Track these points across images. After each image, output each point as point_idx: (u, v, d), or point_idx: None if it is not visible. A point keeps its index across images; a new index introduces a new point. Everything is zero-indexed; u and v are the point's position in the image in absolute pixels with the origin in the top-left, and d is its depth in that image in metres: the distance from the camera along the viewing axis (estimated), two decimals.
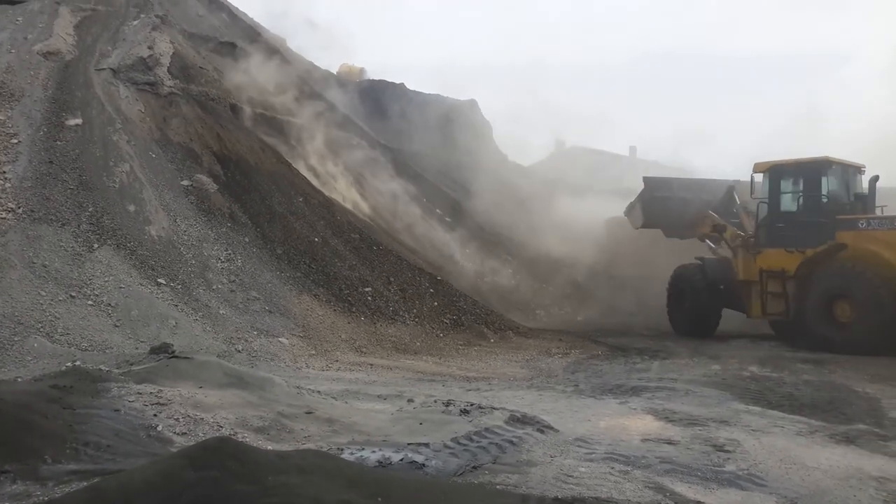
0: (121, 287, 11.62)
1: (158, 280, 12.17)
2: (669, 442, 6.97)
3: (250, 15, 26.68)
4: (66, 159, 13.84)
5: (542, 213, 24.49)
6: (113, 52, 17.40)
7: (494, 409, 7.58)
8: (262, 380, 7.84)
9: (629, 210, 18.85)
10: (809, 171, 14.92)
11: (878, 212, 14.44)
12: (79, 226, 12.49)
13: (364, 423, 6.80)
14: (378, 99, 29.94)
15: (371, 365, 11.50)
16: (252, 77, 20.63)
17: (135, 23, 18.61)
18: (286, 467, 4.15)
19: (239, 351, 11.18)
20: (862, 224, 14.03)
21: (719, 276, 16.04)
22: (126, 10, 19.30)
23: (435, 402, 7.95)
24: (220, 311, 12.17)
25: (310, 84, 24.10)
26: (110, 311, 11.11)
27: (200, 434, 5.95)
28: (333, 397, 8.11)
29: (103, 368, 8.01)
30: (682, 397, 9.40)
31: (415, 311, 14.69)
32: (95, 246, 12.19)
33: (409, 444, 6.08)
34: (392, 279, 15.47)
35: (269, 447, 5.83)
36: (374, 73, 34.28)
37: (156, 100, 16.50)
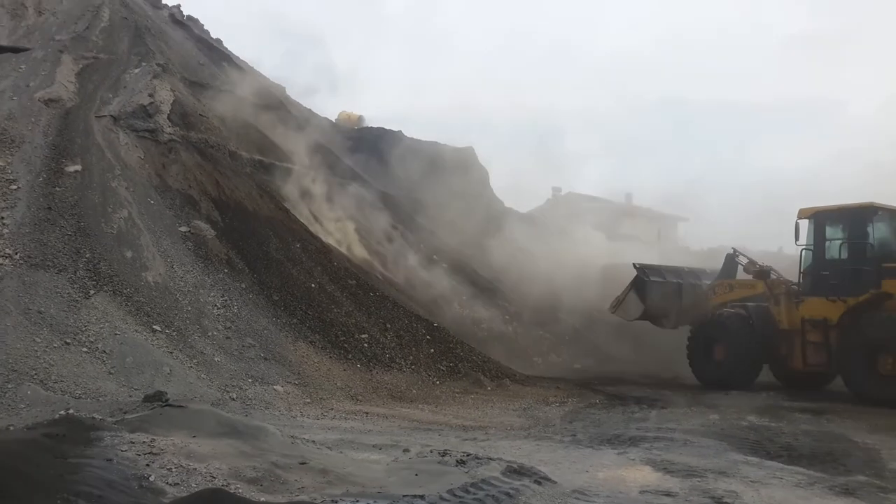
0: (116, 334, 11.56)
1: (154, 326, 12.12)
2: (668, 494, 6.90)
3: (250, 63, 27.04)
4: (65, 205, 13.89)
5: (538, 259, 24.54)
6: (114, 99, 17.60)
7: (491, 459, 7.50)
8: (256, 429, 7.76)
9: (617, 304, 17.62)
10: (855, 217, 14.54)
11: None
12: (75, 272, 12.48)
13: (359, 474, 6.72)
14: (376, 146, 30.18)
15: (366, 413, 11.41)
16: (251, 124, 20.83)
17: (136, 71, 18.85)
18: None
19: (233, 399, 11.08)
20: None
21: (761, 325, 15.38)
22: (128, 59, 19.55)
23: (431, 452, 7.87)
24: (215, 359, 12.10)
25: (309, 131, 24.32)
26: (105, 358, 11.04)
27: (193, 485, 5.87)
28: (328, 447, 8.02)
29: (96, 417, 7.93)
30: (680, 447, 9.31)
31: (411, 357, 14.63)
32: (92, 292, 12.17)
33: (404, 495, 6.00)
34: (388, 325, 15.43)
35: (263, 499, 5.76)
36: (372, 121, 34.66)
37: (155, 147, 16.64)
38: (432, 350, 15.24)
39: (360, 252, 21.24)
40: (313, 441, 8.19)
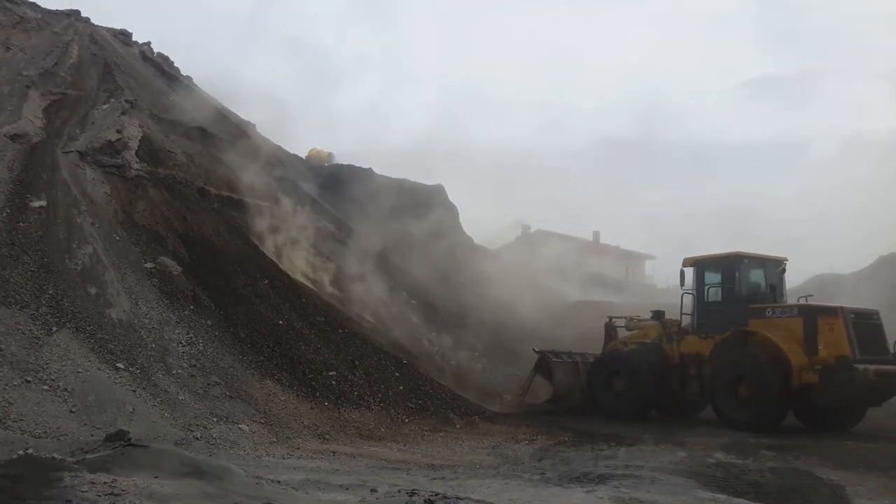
0: (78, 371, 11.35)
1: (117, 364, 11.92)
2: None
3: (220, 101, 27.03)
4: (28, 241, 13.70)
5: (508, 296, 24.59)
6: (81, 135, 17.51)
7: (460, 498, 7.43)
8: (220, 469, 7.62)
9: (525, 391, 18.47)
10: (726, 265, 16.37)
11: (800, 300, 15.81)
12: (38, 308, 12.27)
13: None
14: (346, 183, 30.23)
15: (334, 452, 11.26)
16: (220, 161, 20.79)
17: (104, 107, 18.80)
18: None
19: (197, 438, 10.89)
20: (768, 312, 15.47)
21: (658, 360, 16.72)
22: (96, 95, 19.50)
23: (399, 491, 7.77)
24: (180, 397, 11.91)
25: (278, 168, 24.33)
26: (66, 397, 10.81)
27: None
28: (294, 487, 7.90)
29: (56, 456, 7.74)
30: (648, 485, 9.31)
31: (380, 395, 14.52)
32: (54, 329, 11.96)
33: None
34: (357, 363, 15.33)
35: None
36: (342, 158, 34.73)
37: (122, 182, 16.53)
38: (401, 387, 15.15)
39: (328, 289, 21.15)
40: (279, 481, 8.06)
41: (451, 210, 34.28)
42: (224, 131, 22.94)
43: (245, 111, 27.79)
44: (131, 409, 11.04)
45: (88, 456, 7.82)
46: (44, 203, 14.76)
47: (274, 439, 11.61)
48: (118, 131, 17.48)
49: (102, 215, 15.32)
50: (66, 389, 10.89)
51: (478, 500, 7.35)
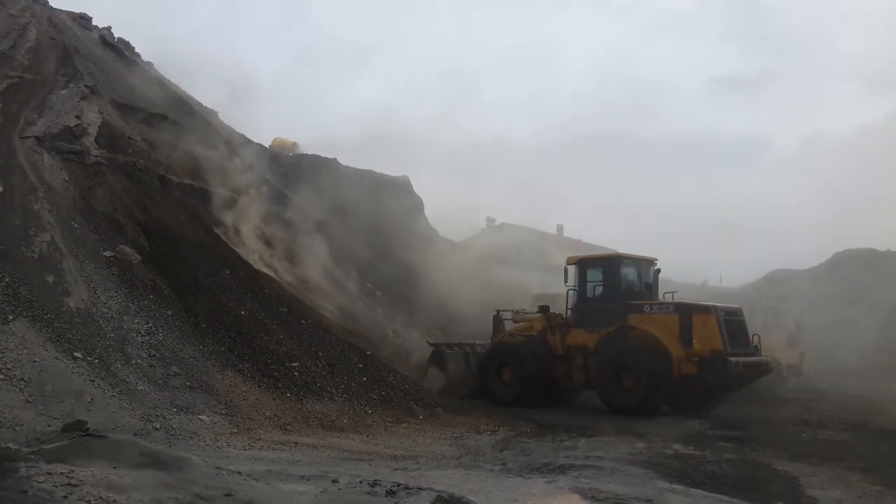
0: (35, 361, 11.11)
1: (75, 354, 11.70)
2: None
3: (183, 87, 26.65)
4: None
5: (471, 288, 24.67)
6: (39, 120, 17.12)
7: (421, 489, 7.46)
8: (179, 460, 7.55)
9: (422, 377, 18.70)
10: (607, 264, 17.98)
11: (668, 298, 17.55)
12: None
13: None
14: (311, 173, 30.05)
15: (296, 443, 11.21)
16: (182, 148, 20.50)
17: (63, 92, 18.37)
18: None
19: (157, 429, 10.76)
20: (646, 308, 16.97)
21: (543, 351, 17.82)
22: (55, 79, 19.05)
23: (361, 482, 7.78)
24: (139, 387, 11.74)
25: (241, 157, 24.07)
26: (22, 386, 10.58)
27: None
28: (254, 478, 7.85)
29: (11, 447, 7.61)
30: (608, 476, 9.44)
31: (343, 386, 14.47)
32: (10, 318, 11.69)
33: None
34: (320, 354, 15.25)
35: None
36: (307, 148, 34.49)
37: (81, 169, 16.21)
38: (364, 379, 15.11)
39: (292, 279, 21.02)
40: (239, 472, 8.01)
41: (417, 201, 34.29)
42: (186, 118, 22.59)
43: (208, 97, 27.46)
44: (89, 400, 10.86)
45: (45, 446, 7.70)
46: (0, 189, 14.42)
47: (235, 430, 11.52)
48: (77, 117, 17.12)
49: (60, 202, 15.02)
50: (22, 379, 10.67)
51: (439, 491, 7.38)
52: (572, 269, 17.94)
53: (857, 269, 33.26)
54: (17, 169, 15.19)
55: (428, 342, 19.66)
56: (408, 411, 14.54)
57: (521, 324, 19.06)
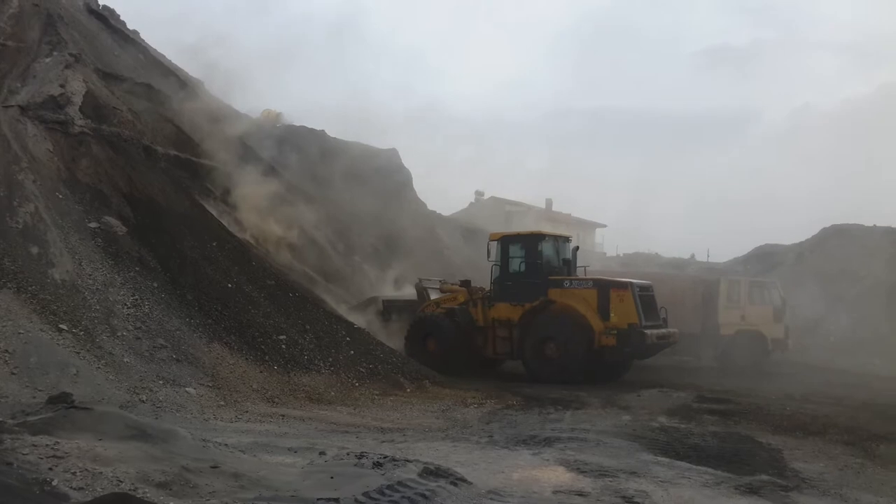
0: (19, 333, 11.06)
1: (60, 326, 11.64)
2: (580, 494, 7.03)
3: (168, 57, 26.30)
4: None
5: (460, 261, 24.68)
6: (22, 89, 16.83)
7: (408, 461, 7.49)
8: (165, 432, 7.54)
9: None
10: (528, 241, 18.66)
11: (580, 273, 18.50)
12: None
13: (272, 478, 6.61)
14: (298, 145, 29.78)
15: (283, 416, 11.23)
16: (168, 119, 20.27)
17: (47, 60, 18.04)
18: None
19: (143, 401, 10.74)
20: (566, 284, 17.80)
21: (465, 323, 18.45)
22: (38, 47, 18.68)
23: (348, 454, 7.80)
24: (125, 359, 11.71)
25: (228, 128, 23.82)
26: (7, 358, 10.55)
27: (99, 489, 5.66)
28: (241, 450, 7.86)
29: None
30: (593, 448, 9.51)
31: (330, 359, 14.48)
32: None
33: (318, 499, 5.93)
34: (308, 327, 15.24)
35: (172, 503, 5.60)
36: (295, 119, 34.12)
37: (65, 139, 15.99)
38: (352, 352, 15.13)
39: (279, 252, 20.94)
40: (226, 444, 8.01)
41: (406, 174, 34.14)
42: (172, 89, 22.31)
43: (194, 68, 27.11)
44: (75, 372, 10.83)
45: (30, 418, 7.66)
46: None
47: (222, 403, 11.52)
48: (61, 86, 16.84)
49: (44, 173, 14.83)
50: (6, 350, 10.62)
51: (426, 463, 7.42)
52: (494, 246, 18.61)
53: (843, 244, 33.37)
54: (1, 138, 14.97)
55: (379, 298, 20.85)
56: (395, 384, 14.58)
57: (446, 294, 19.67)
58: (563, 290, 17.69)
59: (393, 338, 18.91)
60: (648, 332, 16.99)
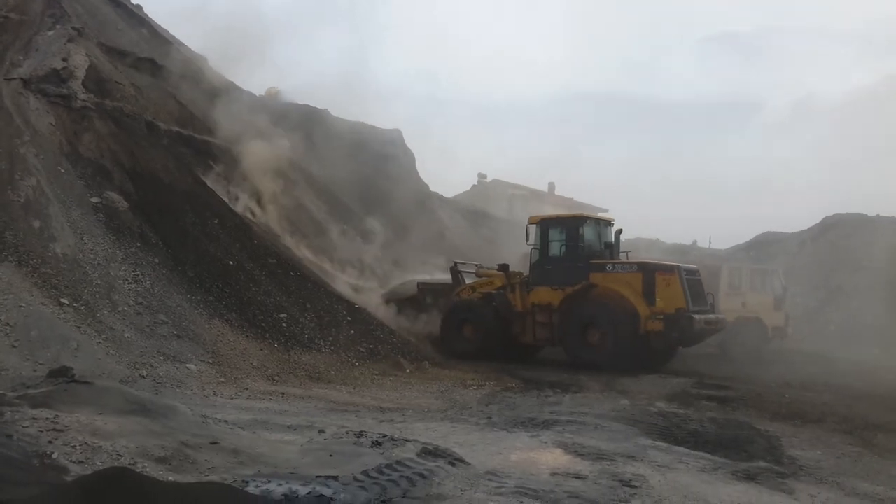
0: (21, 306, 11.07)
1: (61, 300, 11.66)
2: (578, 476, 7.04)
3: (172, 32, 26.10)
4: None
5: (462, 243, 24.65)
6: (24, 62, 16.75)
7: (407, 441, 7.51)
8: (165, 407, 7.56)
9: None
10: (570, 224, 18.20)
11: (622, 258, 17.81)
12: None
13: (271, 455, 6.63)
14: (301, 123, 29.63)
15: (282, 394, 11.26)
16: (171, 95, 20.17)
17: (50, 33, 17.94)
18: (187, 499, 4.00)
19: (143, 377, 10.78)
20: (609, 268, 17.31)
21: (503, 308, 18.16)
22: (41, 20, 18.58)
23: (347, 433, 7.82)
24: (125, 335, 11.73)
25: (231, 104, 23.69)
26: (8, 331, 10.56)
27: (98, 463, 5.69)
28: (241, 427, 7.88)
29: None
30: (591, 431, 9.52)
31: (330, 338, 14.51)
32: None
33: (317, 476, 5.95)
34: (308, 306, 15.25)
35: (171, 478, 5.63)
36: (298, 98, 33.91)
37: (68, 113, 15.93)
38: (352, 331, 15.16)
39: (281, 230, 20.91)
40: (226, 421, 8.04)
41: (409, 155, 34.03)
42: (175, 64, 22.18)
43: (198, 44, 26.91)
44: (75, 346, 10.85)
45: (30, 391, 7.68)
46: None
47: (222, 379, 11.55)
48: (64, 59, 16.76)
49: (47, 146, 14.79)
50: (7, 324, 10.63)
51: (424, 443, 7.44)
52: (534, 229, 18.25)
53: (845, 233, 33.30)
54: (3, 112, 14.91)
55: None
56: (395, 364, 14.61)
57: (483, 279, 19.35)
58: (606, 273, 17.21)
59: (428, 323, 18.96)
60: (696, 317, 16.47)
